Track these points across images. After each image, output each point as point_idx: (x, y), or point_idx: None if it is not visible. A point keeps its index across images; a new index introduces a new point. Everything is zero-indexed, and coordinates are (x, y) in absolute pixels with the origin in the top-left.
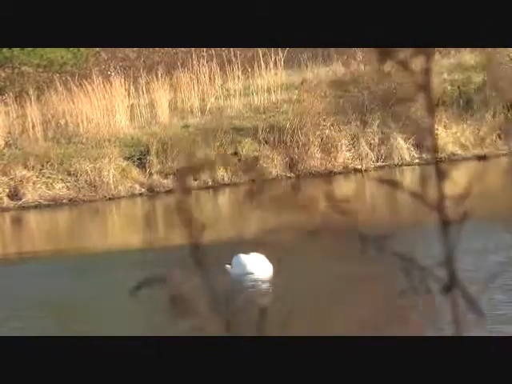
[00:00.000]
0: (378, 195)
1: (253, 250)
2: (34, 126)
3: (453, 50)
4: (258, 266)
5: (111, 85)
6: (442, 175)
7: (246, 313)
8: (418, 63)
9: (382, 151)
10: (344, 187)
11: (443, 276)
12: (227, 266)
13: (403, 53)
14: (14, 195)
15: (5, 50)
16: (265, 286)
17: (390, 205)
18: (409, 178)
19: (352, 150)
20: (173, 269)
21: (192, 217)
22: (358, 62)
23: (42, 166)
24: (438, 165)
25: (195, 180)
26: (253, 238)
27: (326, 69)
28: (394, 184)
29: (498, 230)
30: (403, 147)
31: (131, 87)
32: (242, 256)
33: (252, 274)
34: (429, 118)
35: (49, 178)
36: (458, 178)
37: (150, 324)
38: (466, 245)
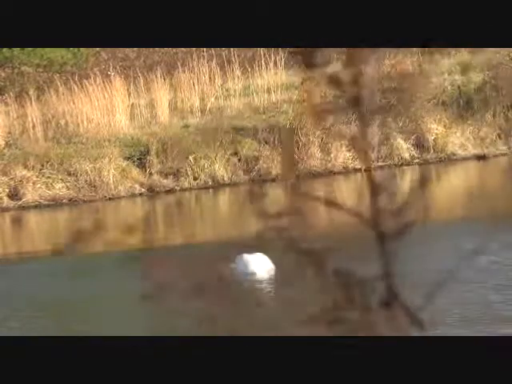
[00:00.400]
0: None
1: (255, 250)
2: (34, 126)
3: (453, 50)
4: (260, 266)
5: (111, 85)
6: (383, 185)
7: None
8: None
9: (382, 151)
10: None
11: (382, 290)
12: (232, 265)
13: (331, 68)
14: (13, 195)
15: (5, 49)
16: (266, 285)
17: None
18: (408, 178)
19: (352, 150)
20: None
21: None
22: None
23: (42, 165)
24: (371, 175)
25: (195, 180)
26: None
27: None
28: (328, 202)
29: (495, 230)
30: (403, 147)
31: (131, 87)
32: (246, 255)
33: (255, 273)
34: (362, 129)
35: (49, 177)
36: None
37: (150, 324)
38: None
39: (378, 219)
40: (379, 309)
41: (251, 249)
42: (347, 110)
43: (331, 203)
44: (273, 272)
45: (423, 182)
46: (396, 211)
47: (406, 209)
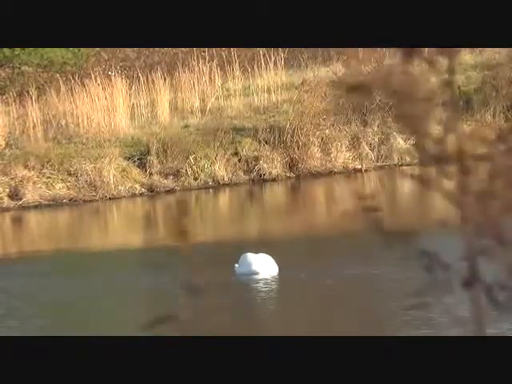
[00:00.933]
0: (400, 192)
1: (259, 250)
2: (34, 126)
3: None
4: (264, 266)
5: (111, 85)
6: (466, 171)
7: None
8: (441, 62)
9: (382, 151)
10: (370, 184)
11: (465, 272)
12: (236, 265)
13: (429, 52)
14: (14, 195)
15: (5, 49)
16: (270, 285)
17: (413, 203)
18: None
19: (352, 150)
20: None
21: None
22: (358, 61)
23: (43, 165)
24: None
25: (195, 180)
26: (257, 237)
27: (325, 69)
28: (424, 181)
29: None
30: (403, 147)
31: (131, 87)
32: (249, 255)
33: (258, 273)
34: (454, 116)
35: (49, 177)
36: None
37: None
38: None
39: (466, 205)
40: (462, 289)
41: (255, 248)
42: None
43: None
44: (276, 272)
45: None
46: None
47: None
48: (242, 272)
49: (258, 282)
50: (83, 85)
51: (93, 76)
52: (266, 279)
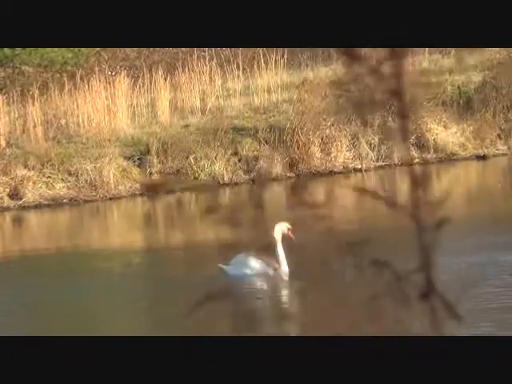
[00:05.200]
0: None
1: (253, 251)
2: (34, 126)
3: (453, 50)
4: (258, 267)
5: (112, 85)
6: (420, 179)
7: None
8: (389, 66)
9: (382, 151)
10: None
11: (420, 282)
12: (221, 265)
13: (374, 55)
14: (14, 195)
15: (6, 49)
16: (263, 286)
17: (365, 210)
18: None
19: (352, 150)
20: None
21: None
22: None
23: (43, 165)
24: (412, 169)
25: (195, 180)
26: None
27: (325, 69)
28: (367, 192)
29: (494, 231)
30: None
31: (132, 87)
32: (243, 256)
33: (252, 274)
34: (402, 122)
35: (49, 177)
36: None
37: (150, 324)
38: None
39: (418, 212)
40: (418, 301)
41: (248, 250)
42: (386, 102)
43: (375, 195)
44: (270, 273)
45: (425, 181)
46: (434, 204)
47: (443, 202)
48: (236, 273)
49: (251, 283)
50: (83, 84)
51: (93, 76)
52: (259, 280)
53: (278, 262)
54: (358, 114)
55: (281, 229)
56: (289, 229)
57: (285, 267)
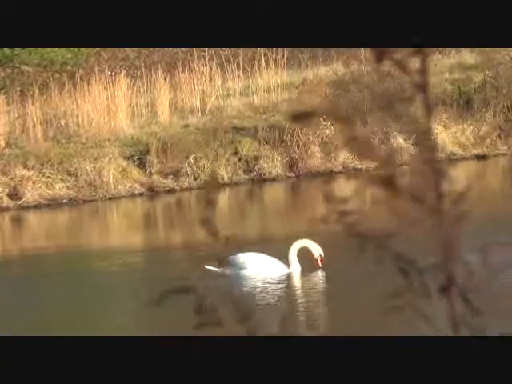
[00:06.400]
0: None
1: (250, 249)
2: (34, 126)
3: (453, 50)
4: (256, 265)
5: (111, 84)
6: (440, 175)
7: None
8: (415, 63)
9: (382, 151)
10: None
11: (440, 276)
12: (207, 266)
13: (400, 53)
14: (13, 195)
15: (5, 49)
16: (262, 284)
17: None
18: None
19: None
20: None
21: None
22: (359, 61)
23: (42, 165)
24: (437, 165)
25: (195, 179)
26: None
27: (325, 69)
28: (391, 185)
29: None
30: (403, 147)
31: (131, 87)
32: (240, 255)
33: (250, 273)
34: (427, 118)
35: (49, 177)
36: (457, 178)
37: (149, 324)
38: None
39: (440, 206)
40: (437, 295)
41: (248, 248)
42: (412, 97)
43: (393, 188)
44: (270, 271)
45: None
46: (457, 198)
47: (464, 197)
48: (233, 272)
49: (250, 282)
50: (83, 84)
51: (93, 76)
52: (257, 278)
53: (288, 262)
54: (388, 108)
55: (317, 249)
56: (321, 255)
57: (296, 266)
